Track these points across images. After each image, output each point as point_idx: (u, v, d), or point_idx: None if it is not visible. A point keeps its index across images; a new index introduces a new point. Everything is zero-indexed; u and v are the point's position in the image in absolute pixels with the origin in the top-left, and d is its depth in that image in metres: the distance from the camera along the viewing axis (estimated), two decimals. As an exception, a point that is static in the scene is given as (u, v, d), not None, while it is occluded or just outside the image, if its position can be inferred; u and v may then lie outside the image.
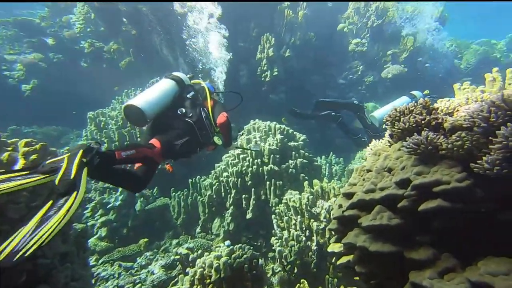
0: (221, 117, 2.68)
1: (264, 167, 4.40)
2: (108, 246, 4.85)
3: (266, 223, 4.41)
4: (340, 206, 1.60)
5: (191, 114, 2.60)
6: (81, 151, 1.68)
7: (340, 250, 1.87)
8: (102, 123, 6.05)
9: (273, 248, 4.05)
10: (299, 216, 3.56)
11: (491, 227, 1.15)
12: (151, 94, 2.49)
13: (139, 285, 3.93)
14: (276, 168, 4.37)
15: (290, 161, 4.52)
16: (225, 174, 4.70)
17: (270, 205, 4.25)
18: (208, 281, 2.95)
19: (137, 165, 2.27)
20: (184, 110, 2.61)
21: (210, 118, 2.72)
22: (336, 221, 1.61)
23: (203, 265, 3.02)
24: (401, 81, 8.07)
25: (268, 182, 4.29)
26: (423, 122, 1.43)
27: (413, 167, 1.32)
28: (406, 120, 1.46)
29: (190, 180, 5.38)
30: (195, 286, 2.98)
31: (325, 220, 3.39)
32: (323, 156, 5.96)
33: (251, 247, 3.10)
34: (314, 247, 3.34)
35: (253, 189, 4.36)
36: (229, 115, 2.77)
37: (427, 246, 1.18)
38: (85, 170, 1.63)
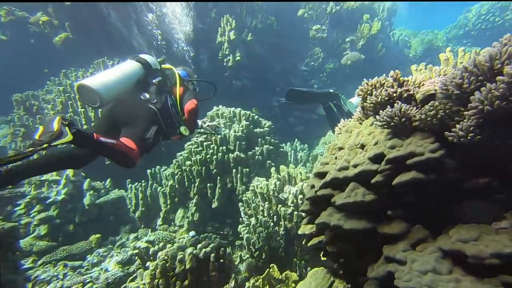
0: (190, 104, 2.51)
1: (230, 154, 4.25)
2: (49, 245, 4.31)
3: (232, 212, 4.31)
4: (313, 186, 1.53)
5: (155, 101, 2.41)
6: (58, 116, 1.69)
7: (311, 232, 1.82)
8: (35, 107, 5.28)
9: (240, 236, 3.98)
10: (266, 203, 3.50)
11: (459, 196, 1.16)
12: (110, 76, 2.26)
13: (90, 284, 3.56)
14: (243, 155, 4.24)
15: (257, 148, 4.42)
16: (188, 162, 4.45)
17: (236, 193, 4.14)
18: (172, 273, 2.77)
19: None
20: (147, 96, 2.42)
21: (177, 106, 2.54)
22: (309, 202, 1.54)
23: (166, 257, 2.82)
24: (359, 69, 8.40)
25: (234, 170, 4.15)
26: (395, 94, 1.40)
27: (386, 141, 1.30)
28: (378, 93, 1.43)
29: (148, 170, 5.01)
30: (156, 280, 2.78)
31: (292, 205, 3.38)
32: (288, 143, 5.99)
33: (218, 236, 2.96)
34: (282, 232, 3.32)
35: (218, 177, 4.20)
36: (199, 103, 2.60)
37: (399, 220, 1.17)
38: (67, 127, 1.68)
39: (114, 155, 2.05)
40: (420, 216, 1.17)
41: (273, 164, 4.35)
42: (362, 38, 8.69)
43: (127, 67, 2.44)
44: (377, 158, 1.26)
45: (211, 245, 2.80)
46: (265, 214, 3.52)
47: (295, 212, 3.29)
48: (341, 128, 2.02)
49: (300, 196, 3.37)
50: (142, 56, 2.59)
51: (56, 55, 7.51)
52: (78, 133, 1.76)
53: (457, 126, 1.11)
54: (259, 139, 4.57)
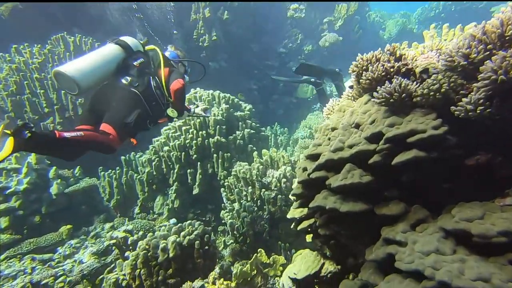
0: (176, 83, 2.39)
1: (210, 139, 4.11)
2: (13, 238, 3.99)
3: (214, 198, 4.23)
4: (305, 169, 1.48)
5: (137, 84, 2.32)
6: (2, 125, 1.59)
7: (301, 215, 1.80)
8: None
9: (223, 221, 3.93)
10: (250, 187, 3.46)
11: (459, 174, 1.15)
12: (87, 62, 2.16)
13: (63, 277, 3.36)
14: (223, 140, 4.12)
15: (238, 132, 4.32)
16: (166, 148, 4.25)
17: (218, 178, 4.05)
18: (154, 262, 2.67)
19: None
20: (129, 79, 2.31)
21: (163, 88, 2.44)
22: (301, 186, 1.50)
23: (147, 247, 2.71)
24: (337, 51, 8.40)
25: (215, 155, 4.03)
26: (392, 69, 1.33)
27: (384, 119, 1.25)
28: (374, 68, 1.36)
29: (122, 157, 4.74)
30: (138, 270, 2.67)
31: (276, 189, 3.37)
32: (268, 127, 5.93)
33: (202, 223, 2.89)
34: (266, 216, 3.31)
35: (199, 163, 4.06)
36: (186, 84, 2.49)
37: (397, 200, 1.16)
38: (10, 138, 1.53)
39: (88, 147, 1.98)
40: (419, 196, 1.16)
41: (254, 148, 4.28)
42: (339, 19, 8.65)
43: (106, 51, 2.32)
44: (374, 138, 1.22)
45: (195, 232, 2.72)
46: (249, 199, 3.48)
47: (279, 196, 3.28)
48: (330, 108, 1.97)
49: (284, 180, 3.36)
50: (123, 38, 2.45)
51: (4, 27, 6.59)
52: (34, 137, 1.63)
53: (464, 99, 1.05)
54: (240, 122, 4.46)
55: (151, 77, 2.40)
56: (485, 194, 1.02)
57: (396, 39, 10.57)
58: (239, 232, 3.33)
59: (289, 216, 1.87)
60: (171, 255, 2.62)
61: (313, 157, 1.45)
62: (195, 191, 4.09)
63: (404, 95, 1.21)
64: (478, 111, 1.02)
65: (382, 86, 1.24)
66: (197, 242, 2.68)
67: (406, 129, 1.11)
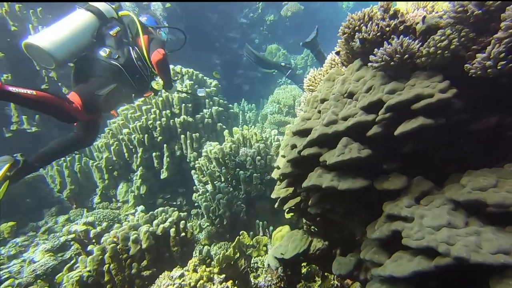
0: (156, 54, 2.23)
1: (176, 119, 3.80)
2: None
3: (184, 181, 4.02)
4: (294, 146, 1.38)
5: (117, 56, 2.20)
6: (8, 164, 1.77)
7: (287, 194, 1.73)
8: None
9: (196, 204, 3.78)
10: (223, 167, 3.31)
11: (464, 140, 1.09)
12: (61, 32, 2.01)
13: (10, 280, 2.98)
14: (190, 119, 3.85)
15: (205, 110, 4.06)
16: (125, 130, 3.85)
17: (188, 160, 3.82)
18: (125, 255, 2.46)
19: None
20: (107, 51, 2.18)
21: (145, 59, 2.29)
22: (290, 164, 1.39)
23: (115, 239, 2.47)
24: (299, 21, 8.22)
25: (182, 136, 3.77)
26: (388, 28, 1.20)
27: (383, 86, 1.14)
28: (368, 29, 1.24)
29: (72, 143, 4.21)
30: (107, 266, 2.45)
31: (251, 167, 3.27)
32: (235, 104, 5.71)
33: (175, 209, 2.70)
34: (242, 196, 3.23)
35: (165, 145, 3.77)
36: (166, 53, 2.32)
37: (397, 173, 1.10)
38: (6, 183, 1.74)
39: (42, 108, 1.86)
40: (419, 167, 1.11)
41: (224, 127, 4.09)
42: (300, -14, 8.40)
43: (79, 20, 2.14)
44: (372, 107, 1.12)
45: (170, 220, 2.53)
46: (223, 180, 3.35)
47: (254, 175, 3.20)
48: (311, 79, 1.86)
49: (258, 157, 3.27)
50: (93, 4, 2.25)
51: None
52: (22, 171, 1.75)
53: (479, 55, 0.94)
54: (207, 100, 4.19)
55: (130, 48, 2.25)
56: (491, 160, 0.99)
57: (353, 8, 10.64)
58: (215, 214, 3.22)
59: (273, 195, 1.79)
60: (144, 246, 2.42)
61: (303, 133, 1.35)
62: (163, 175, 3.83)
63: (406, 56, 1.09)
64: (499, 67, 0.90)
65: (381, 48, 1.13)
66: (173, 229, 2.51)
67: (411, 94, 1.00)
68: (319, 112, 1.36)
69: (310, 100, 1.47)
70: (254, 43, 8.33)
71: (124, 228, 2.57)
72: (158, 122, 3.76)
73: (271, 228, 3.10)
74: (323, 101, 1.38)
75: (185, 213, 2.66)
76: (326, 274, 1.97)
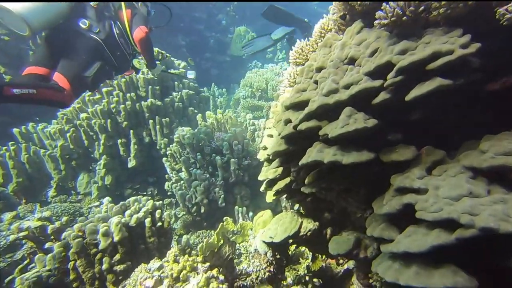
0: (139, 32, 2.14)
1: (143, 102, 3.49)
2: None
3: (155, 169, 3.76)
4: (288, 121, 1.28)
5: (98, 30, 2.09)
6: None
7: (275, 176, 1.65)
8: None
9: (169, 193, 3.57)
10: (198, 153, 3.14)
11: (477, 102, 1.01)
12: None
13: None
14: (159, 103, 3.55)
15: (174, 94, 3.78)
16: (83, 115, 3.44)
17: (158, 147, 3.55)
18: (94, 250, 2.22)
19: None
20: (87, 23, 2.07)
21: (128, 36, 2.21)
22: (284, 141, 1.30)
23: (80, 233, 2.21)
24: (269, 2, 7.98)
25: (151, 121, 3.47)
26: None
27: (391, 46, 1.04)
28: None
29: (16, 129, 3.67)
30: (72, 262, 2.19)
31: (227, 152, 3.15)
32: (205, 88, 5.45)
33: (149, 198, 2.49)
34: (219, 183, 3.11)
35: (131, 131, 3.45)
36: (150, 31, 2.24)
37: (404, 145, 1.03)
38: None
39: (39, 102, 1.81)
40: (426, 136, 1.05)
41: (196, 111, 3.86)
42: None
43: None
44: (379, 71, 1.02)
45: (144, 209, 2.32)
46: (198, 166, 3.18)
47: (232, 160, 3.08)
48: (299, 51, 1.75)
49: (235, 142, 3.15)
50: None
51: None
52: None
53: None
54: (176, 82, 3.90)
55: (112, 23, 2.15)
56: (509, 125, 0.90)
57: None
58: (192, 202, 3.06)
59: (260, 177, 1.71)
60: (116, 238, 2.19)
61: (298, 106, 1.25)
62: (131, 163, 3.53)
63: (422, 8, 0.96)
64: None
65: (390, 2, 1.02)
66: (148, 219, 2.31)
67: (426, 52, 0.89)
68: (316, 82, 1.27)
69: (304, 70, 1.36)
70: (221, 24, 7.98)
71: (91, 220, 2.30)
72: (122, 106, 3.41)
73: (250, 214, 3.04)
74: (319, 69, 1.28)
75: (160, 202, 2.47)
76: (316, 255, 1.98)
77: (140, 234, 2.36)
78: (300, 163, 1.20)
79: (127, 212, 2.28)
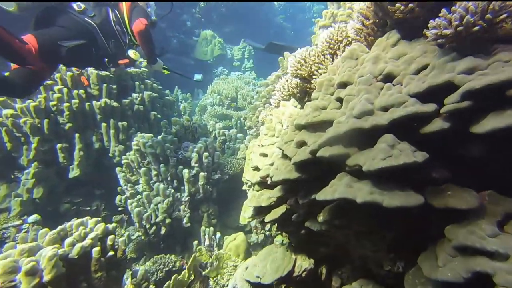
0: (138, 24, 2.03)
1: (95, 102, 2.94)
2: None
3: (103, 180, 3.19)
4: (303, 144, 1.06)
5: (93, 14, 2.03)
6: None
7: (270, 203, 1.41)
8: None
9: (119, 209, 3.04)
10: (162, 165, 2.72)
11: None
12: None
13: None
14: (115, 104, 3.04)
15: (134, 95, 3.29)
16: (7, 111, 2.75)
17: (110, 155, 3.02)
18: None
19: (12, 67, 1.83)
20: (82, 6, 2.00)
21: (125, 24, 2.13)
22: (296, 167, 1.07)
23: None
24: (234, 8, 7.82)
25: (104, 124, 2.94)
26: None
27: (450, 63, 0.87)
28: None
29: None
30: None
31: (197, 165, 2.79)
32: (167, 91, 4.98)
33: (100, 219, 2.00)
34: (185, 199, 2.73)
35: (77, 134, 2.87)
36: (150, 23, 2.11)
37: (455, 186, 0.86)
38: None
39: None
40: (483, 176, 0.89)
41: (159, 116, 3.42)
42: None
43: None
44: (431, 93, 0.85)
45: (92, 235, 1.84)
46: (161, 179, 2.76)
47: (201, 174, 2.74)
48: (301, 62, 1.54)
49: (206, 154, 2.82)
50: None
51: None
52: None
53: None
54: (136, 82, 3.42)
55: (109, 9, 2.07)
56: None
57: (284, 7, 10.74)
58: (151, 222, 2.61)
59: (253, 204, 1.44)
60: (46, 278, 1.67)
61: (316, 127, 1.04)
62: (73, 173, 2.92)
63: (504, 15, 0.78)
64: None
65: (459, 7, 0.81)
66: (96, 249, 1.83)
67: (507, 74, 0.73)
68: (339, 100, 1.08)
69: (322, 83, 1.15)
70: (186, 25, 7.54)
71: (8, 254, 1.73)
72: (66, 105, 2.82)
73: (218, 235, 2.71)
74: (343, 85, 1.09)
75: (114, 224, 2.00)
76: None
77: (84, 267, 1.87)
78: (318, 197, 0.98)
79: (68, 240, 1.78)
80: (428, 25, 0.96)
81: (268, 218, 1.40)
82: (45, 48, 1.79)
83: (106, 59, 2.14)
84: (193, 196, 2.77)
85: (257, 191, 1.46)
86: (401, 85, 0.98)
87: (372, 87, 1.01)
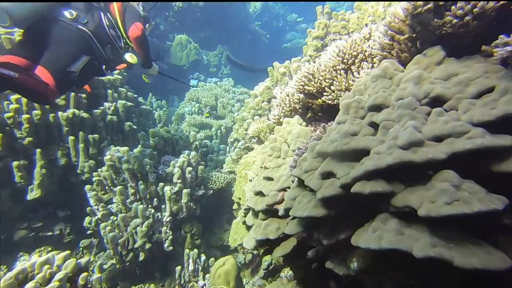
0: (134, 29, 1.99)
1: (60, 113, 2.60)
2: None
3: (69, 200, 2.83)
4: (330, 175, 0.93)
5: (86, 20, 1.94)
6: None
7: (278, 236, 1.27)
8: None
9: (88, 232, 2.70)
10: (140, 182, 2.46)
11: None
12: None
13: None
14: (85, 115, 2.72)
15: (107, 104, 2.98)
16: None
17: (79, 171, 2.68)
18: None
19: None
20: (74, 13, 1.90)
21: (119, 28, 2.06)
22: (322, 203, 0.94)
23: None
24: (210, 14, 7.60)
25: (71, 137, 2.60)
26: None
27: None
28: None
29: None
30: None
31: (179, 181, 2.57)
32: (140, 98, 4.65)
33: (70, 253, 1.70)
34: (167, 219, 2.48)
35: (38, 150, 2.51)
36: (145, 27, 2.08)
37: None
38: None
39: (18, 89, 1.68)
40: None
41: (135, 127, 3.14)
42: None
43: None
44: (503, 122, 0.74)
45: (60, 276, 1.55)
46: (139, 197, 2.49)
47: (185, 190, 2.53)
48: (308, 77, 1.40)
49: (189, 169, 2.61)
50: None
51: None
52: None
53: None
54: (109, 90, 3.11)
55: (101, 13, 2.01)
56: None
57: (261, 12, 10.66)
58: (127, 248, 2.33)
59: (257, 236, 1.29)
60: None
61: (347, 156, 0.92)
62: (33, 194, 2.54)
63: None
64: None
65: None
66: (64, 291, 1.55)
67: None
68: (372, 125, 0.95)
69: (350, 105, 1.02)
70: (159, 29, 7.21)
71: None
72: (25, 116, 2.45)
73: (203, 258, 2.50)
74: (377, 108, 0.97)
75: (86, 259, 1.71)
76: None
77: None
78: (360, 244, 0.83)
79: (29, 285, 1.48)
80: (497, 41, 0.84)
81: (277, 253, 1.25)
82: (61, 81, 1.78)
83: (104, 66, 2.09)
84: (175, 215, 2.54)
85: (262, 219, 1.31)
86: (456, 110, 0.86)
87: (416, 112, 0.88)
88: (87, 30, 1.92)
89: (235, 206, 2.40)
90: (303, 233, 1.16)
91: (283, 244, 1.24)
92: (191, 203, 2.62)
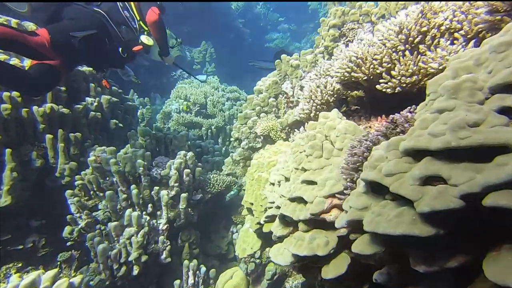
0: (151, 13, 1.98)
1: (35, 108, 2.26)
2: None
3: (44, 207, 2.48)
4: (429, 180, 0.76)
5: (99, 3, 1.98)
6: None
7: (327, 253, 1.12)
8: None
9: (68, 244, 2.38)
10: (133, 186, 2.20)
11: None
12: None
13: None
14: (65, 110, 2.40)
15: (89, 99, 2.66)
16: None
17: (58, 174, 2.35)
18: None
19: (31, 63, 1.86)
20: None
21: (132, 10, 2.04)
22: (430, 219, 0.73)
23: None
24: (193, 10, 7.29)
25: (49, 136, 2.27)
26: None
27: None
28: None
29: None
30: None
31: (176, 184, 2.34)
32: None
33: (56, 270, 1.43)
34: (164, 227, 2.25)
35: (8, 150, 2.15)
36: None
37: None
38: None
39: (6, 42, 1.61)
40: None
41: (121, 125, 2.84)
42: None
43: None
44: None
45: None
46: (132, 202, 2.23)
47: (182, 195, 2.30)
48: (357, 61, 1.18)
49: (187, 171, 2.39)
50: None
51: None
52: None
53: None
54: (92, 84, 2.79)
55: None
56: None
57: (244, 10, 10.51)
58: (119, 261, 2.06)
59: (299, 251, 1.11)
60: None
61: (466, 154, 0.68)
62: (3, 201, 2.19)
63: None
64: None
65: None
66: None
67: None
68: (504, 111, 0.72)
69: (460, 86, 0.79)
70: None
71: None
72: (-5, 111, 2.10)
73: (203, 269, 2.29)
74: (509, 88, 0.73)
75: (80, 277, 1.45)
76: None
77: None
78: (495, 280, 0.65)
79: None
80: None
81: (330, 273, 1.08)
82: (57, 39, 1.76)
83: (121, 48, 2.07)
84: (172, 223, 2.31)
85: (304, 231, 1.16)
86: None
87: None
88: (101, 11, 1.96)
89: (244, 212, 2.22)
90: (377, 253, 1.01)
91: (335, 263, 1.09)
92: (189, 209, 2.41)
